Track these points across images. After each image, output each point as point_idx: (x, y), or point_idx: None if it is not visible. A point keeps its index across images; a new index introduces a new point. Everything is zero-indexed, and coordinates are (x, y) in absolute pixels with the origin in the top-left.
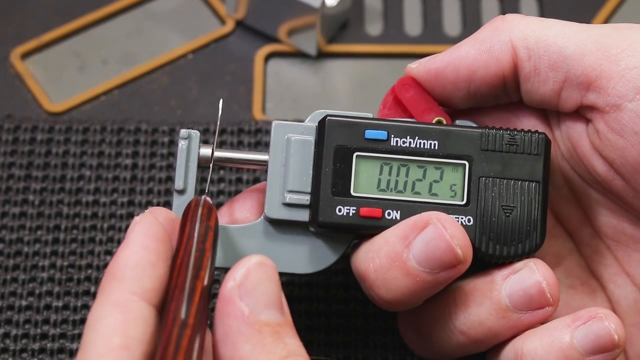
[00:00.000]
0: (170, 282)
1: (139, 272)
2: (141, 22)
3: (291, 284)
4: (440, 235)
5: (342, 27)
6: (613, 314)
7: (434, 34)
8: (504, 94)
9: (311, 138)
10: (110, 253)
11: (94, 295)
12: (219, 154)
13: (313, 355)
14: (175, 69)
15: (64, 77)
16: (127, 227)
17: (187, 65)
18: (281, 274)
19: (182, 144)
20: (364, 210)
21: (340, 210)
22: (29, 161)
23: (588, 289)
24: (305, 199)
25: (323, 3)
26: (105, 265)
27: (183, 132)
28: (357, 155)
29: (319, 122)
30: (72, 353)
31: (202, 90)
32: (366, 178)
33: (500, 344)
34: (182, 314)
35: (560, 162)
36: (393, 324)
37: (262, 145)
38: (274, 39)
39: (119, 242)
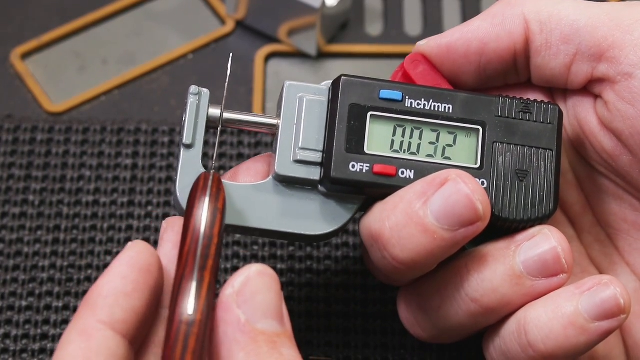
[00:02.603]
0: (177, 272)
1: (110, 301)
2: (141, 22)
3: (291, 285)
4: (461, 190)
5: (342, 27)
6: (617, 280)
7: (434, 34)
8: (514, 71)
9: (324, 99)
10: (110, 253)
11: None
12: (228, 115)
13: (313, 355)
14: (175, 69)
15: (64, 77)
16: (127, 227)
17: (187, 65)
18: (292, 236)
19: (192, 100)
20: (378, 167)
21: (353, 166)
22: (29, 161)
23: (587, 276)
24: (317, 156)
25: (323, 3)
26: (106, 266)
27: (193, 88)
28: (371, 115)
29: (333, 82)
30: None
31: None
32: (380, 138)
33: (503, 318)
34: (190, 310)
35: (565, 145)
36: (393, 325)
37: (262, 145)
38: (274, 39)
39: (119, 242)
